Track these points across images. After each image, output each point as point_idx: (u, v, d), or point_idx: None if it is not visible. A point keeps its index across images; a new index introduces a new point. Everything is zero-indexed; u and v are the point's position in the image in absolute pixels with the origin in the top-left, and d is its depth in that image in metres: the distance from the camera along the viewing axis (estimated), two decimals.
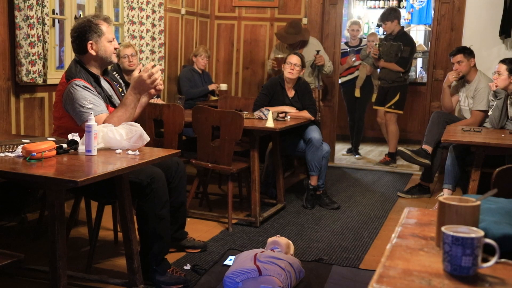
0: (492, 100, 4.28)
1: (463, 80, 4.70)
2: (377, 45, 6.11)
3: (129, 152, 2.50)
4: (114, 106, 2.92)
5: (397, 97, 6.03)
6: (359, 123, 6.74)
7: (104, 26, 2.84)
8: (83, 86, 2.74)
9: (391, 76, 6.04)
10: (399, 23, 6.05)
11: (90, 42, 2.81)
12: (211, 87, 5.54)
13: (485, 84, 4.48)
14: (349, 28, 6.75)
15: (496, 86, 4.14)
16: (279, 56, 5.40)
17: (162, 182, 2.79)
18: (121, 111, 2.72)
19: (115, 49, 2.88)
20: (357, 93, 6.60)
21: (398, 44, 5.96)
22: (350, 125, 6.87)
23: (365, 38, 6.82)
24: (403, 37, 6.07)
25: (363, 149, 7.59)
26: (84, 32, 2.81)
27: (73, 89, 2.72)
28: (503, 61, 4.16)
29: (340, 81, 6.50)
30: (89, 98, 2.72)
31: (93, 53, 2.82)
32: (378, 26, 8.89)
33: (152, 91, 2.84)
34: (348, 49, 6.74)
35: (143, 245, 2.82)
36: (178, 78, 5.69)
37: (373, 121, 8.12)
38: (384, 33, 6.47)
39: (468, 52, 4.59)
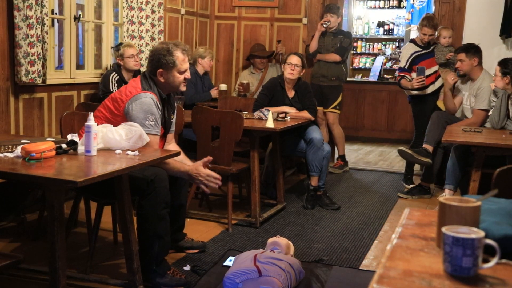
0: (493, 100, 4.28)
1: (467, 78, 4.67)
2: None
3: (129, 152, 2.50)
4: (165, 129, 3.03)
5: (340, 97, 5.71)
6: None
7: (179, 58, 2.91)
8: (156, 103, 2.86)
9: (333, 72, 5.62)
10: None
11: (160, 70, 2.90)
12: (214, 93, 5.45)
13: (489, 84, 4.46)
14: (421, 30, 5.17)
15: (495, 86, 4.14)
16: (244, 81, 5.65)
17: (165, 182, 2.80)
18: (174, 162, 2.89)
19: (185, 79, 2.96)
20: (442, 106, 5.10)
21: (340, 38, 5.67)
22: (416, 145, 5.09)
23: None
24: (343, 31, 5.90)
25: (363, 149, 7.59)
26: (158, 59, 2.91)
27: (148, 100, 2.82)
28: (498, 63, 4.16)
29: (418, 93, 5.17)
30: (155, 116, 2.84)
31: (162, 80, 2.93)
32: (379, 26, 8.91)
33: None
34: (422, 51, 5.19)
35: (143, 245, 2.81)
36: None
37: (373, 121, 8.15)
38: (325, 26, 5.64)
39: (472, 51, 4.53)
